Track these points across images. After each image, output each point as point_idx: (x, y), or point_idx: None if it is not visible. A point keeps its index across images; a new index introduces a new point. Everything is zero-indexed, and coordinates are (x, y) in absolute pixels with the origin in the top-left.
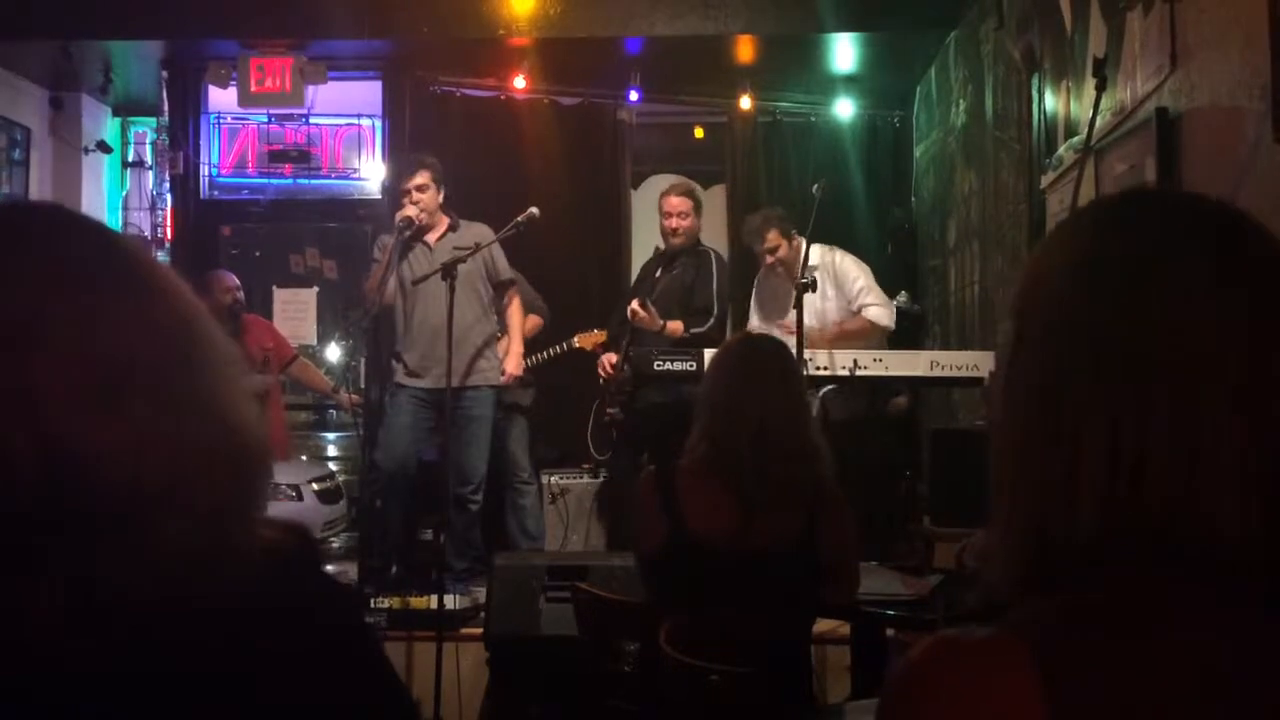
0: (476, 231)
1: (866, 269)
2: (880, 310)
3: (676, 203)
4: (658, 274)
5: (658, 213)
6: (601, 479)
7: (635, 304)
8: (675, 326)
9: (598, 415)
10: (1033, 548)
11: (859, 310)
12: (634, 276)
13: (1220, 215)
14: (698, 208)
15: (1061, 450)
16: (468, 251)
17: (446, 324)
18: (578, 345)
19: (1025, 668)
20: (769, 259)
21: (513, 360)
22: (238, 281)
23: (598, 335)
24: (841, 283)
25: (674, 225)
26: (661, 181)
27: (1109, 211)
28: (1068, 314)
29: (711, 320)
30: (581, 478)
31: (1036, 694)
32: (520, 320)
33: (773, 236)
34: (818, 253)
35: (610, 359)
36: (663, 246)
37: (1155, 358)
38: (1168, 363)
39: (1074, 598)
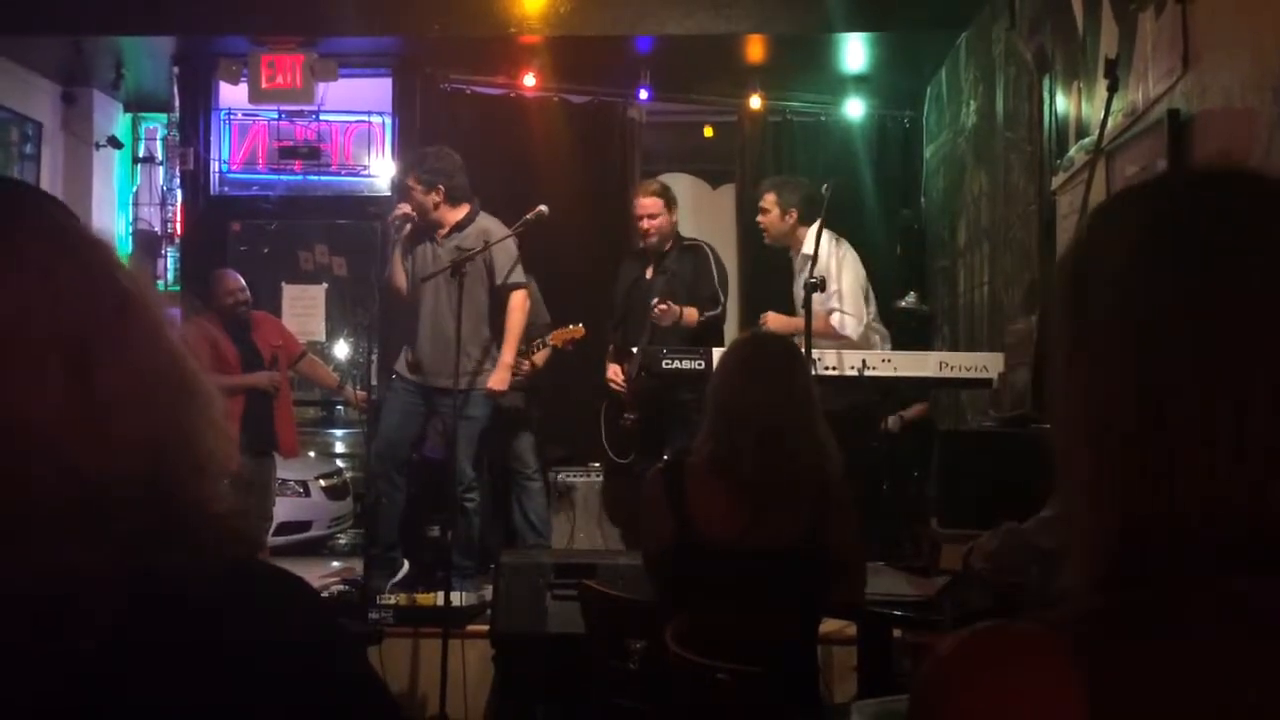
0: (485, 231)
1: (857, 276)
2: (847, 320)
3: (645, 203)
4: (648, 274)
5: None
6: (606, 478)
7: (654, 304)
8: (691, 313)
9: (609, 419)
10: (1123, 545)
11: (829, 312)
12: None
13: None
14: (669, 204)
15: (1165, 436)
16: (468, 254)
17: (437, 325)
18: (551, 343)
19: (1067, 663)
20: (759, 218)
21: (495, 375)
22: (243, 282)
23: (571, 331)
24: (826, 278)
25: (645, 226)
26: (671, 180)
27: (1184, 184)
28: (1148, 289)
29: (720, 308)
30: (588, 476)
31: (1077, 691)
32: (516, 330)
33: (768, 199)
34: (825, 242)
35: (617, 369)
36: (642, 246)
37: (1256, 336)
38: (1266, 343)
39: (1124, 595)
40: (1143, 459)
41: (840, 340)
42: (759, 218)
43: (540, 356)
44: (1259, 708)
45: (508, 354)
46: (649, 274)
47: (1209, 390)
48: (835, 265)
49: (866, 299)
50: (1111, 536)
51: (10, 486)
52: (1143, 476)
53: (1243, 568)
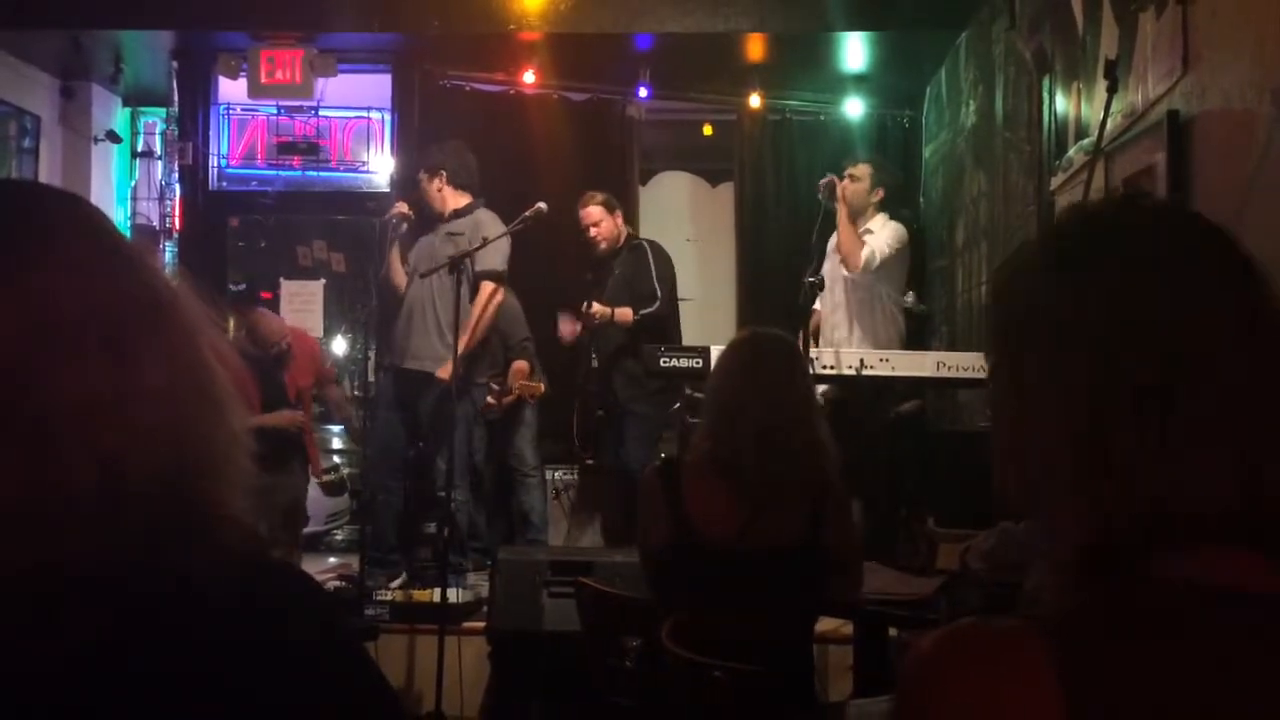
0: (475, 222)
1: (901, 245)
2: (869, 251)
3: (585, 214)
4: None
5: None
6: (580, 477)
7: (583, 308)
8: (624, 313)
9: (583, 412)
10: (1096, 540)
11: (864, 241)
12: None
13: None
14: (609, 208)
15: (1125, 434)
16: (461, 237)
17: (417, 312)
18: (516, 392)
19: (1044, 659)
20: (844, 183)
21: (446, 364)
22: (287, 329)
23: (534, 386)
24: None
25: (592, 235)
26: (671, 178)
27: (1090, 223)
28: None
29: (657, 303)
30: (585, 473)
31: (1054, 686)
32: (478, 318)
33: (862, 169)
34: (880, 219)
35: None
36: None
37: (1179, 348)
38: (1189, 351)
39: (1099, 593)
40: (1107, 457)
41: (853, 260)
42: (846, 183)
43: (509, 399)
44: (1231, 699)
45: (460, 344)
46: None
47: (1158, 390)
48: (885, 229)
49: (896, 269)
50: (1084, 534)
51: (42, 464)
52: (1108, 473)
53: (1211, 549)
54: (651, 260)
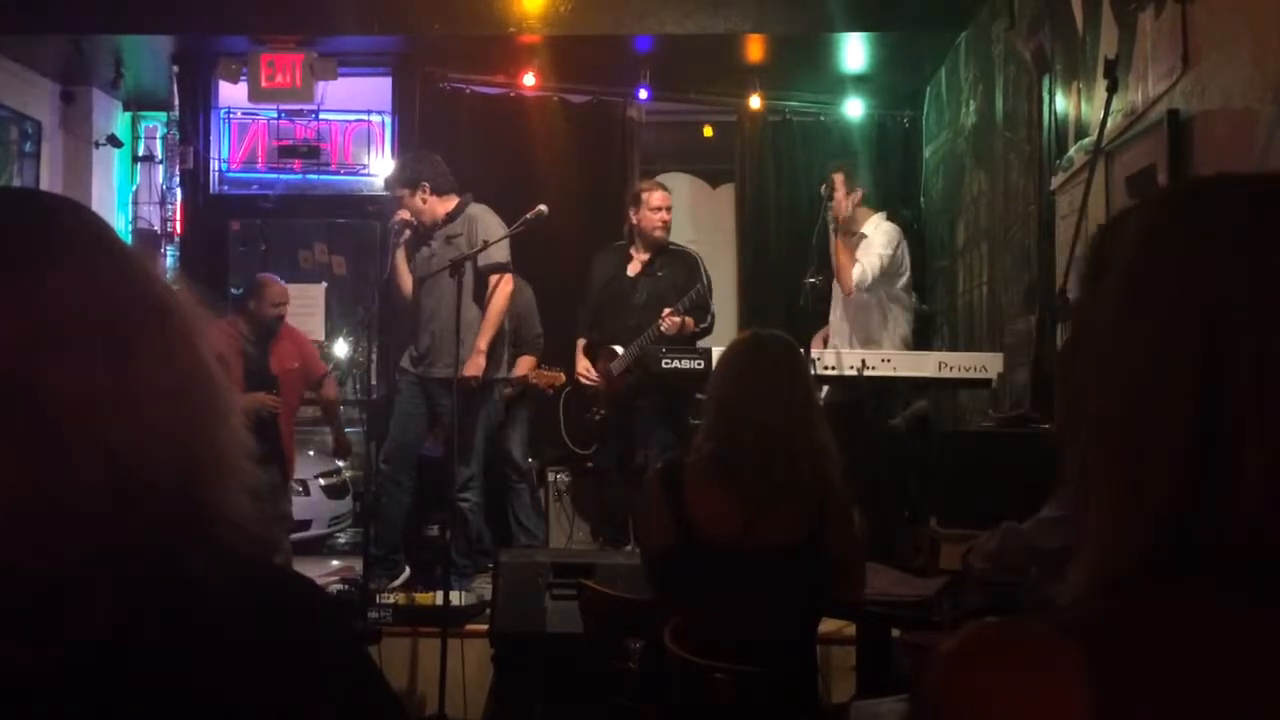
0: (470, 219)
1: (893, 248)
2: (860, 271)
3: (664, 198)
4: (629, 271)
5: (638, 211)
6: (573, 478)
7: (664, 313)
8: (689, 323)
9: (573, 411)
10: (1155, 545)
11: (855, 260)
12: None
13: None
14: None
15: (1224, 437)
16: (459, 237)
17: (437, 318)
18: (533, 382)
19: (1072, 663)
20: (832, 200)
21: (470, 361)
22: (289, 294)
23: (553, 376)
24: (865, 245)
25: (665, 219)
26: (671, 180)
27: (1203, 190)
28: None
29: (710, 319)
30: (586, 475)
31: (1081, 692)
32: (496, 313)
33: (836, 179)
34: (874, 221)
35: (588, 365)
36: (637, 244)
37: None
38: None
39: (1135, 598)
40: (1194, 457)
41: (846, 283)
42: (829, 200)
43: (509, 393)
44: (1267, 710)
45: (482, 340)
46: (630, 271)
47: (1268, 392)
48: (878, 231)
49: (892, 269)
50: (1142, 536)
51: (49, 462)
52: (1190, 475)
53: (1250, 555)
54: (704, 274)
